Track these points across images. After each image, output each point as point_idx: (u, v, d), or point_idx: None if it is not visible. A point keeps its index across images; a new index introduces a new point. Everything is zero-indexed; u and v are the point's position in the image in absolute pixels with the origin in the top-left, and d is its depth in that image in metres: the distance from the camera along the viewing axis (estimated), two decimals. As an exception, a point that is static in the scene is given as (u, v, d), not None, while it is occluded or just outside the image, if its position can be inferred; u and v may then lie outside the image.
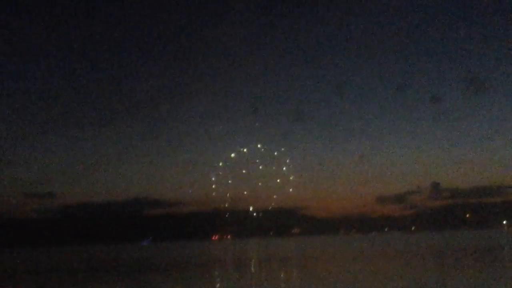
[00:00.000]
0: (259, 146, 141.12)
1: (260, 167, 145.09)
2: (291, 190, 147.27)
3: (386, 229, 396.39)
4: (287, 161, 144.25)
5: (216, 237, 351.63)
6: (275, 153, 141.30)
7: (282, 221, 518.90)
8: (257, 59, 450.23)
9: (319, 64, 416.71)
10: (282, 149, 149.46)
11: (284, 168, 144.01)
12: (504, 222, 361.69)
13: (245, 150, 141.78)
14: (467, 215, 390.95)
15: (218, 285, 31.16)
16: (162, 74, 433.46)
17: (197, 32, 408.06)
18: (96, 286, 34.50)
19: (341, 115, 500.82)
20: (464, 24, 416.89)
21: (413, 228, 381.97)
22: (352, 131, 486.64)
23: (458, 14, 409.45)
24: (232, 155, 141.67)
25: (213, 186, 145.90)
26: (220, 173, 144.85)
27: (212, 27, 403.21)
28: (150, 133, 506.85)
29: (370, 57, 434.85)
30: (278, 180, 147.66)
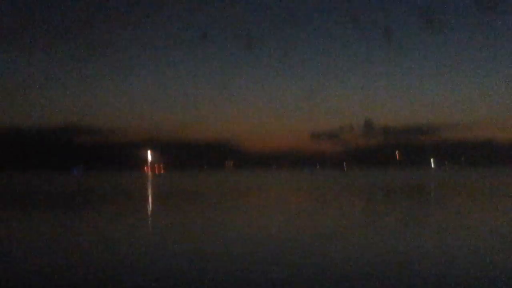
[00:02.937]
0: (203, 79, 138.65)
1: (202, 96, 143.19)
2: (227, 123, 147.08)
3: (317, 166, 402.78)
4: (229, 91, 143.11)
5: (149, 169, 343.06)
6: (218, 83, 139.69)
7: (215, 154, 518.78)
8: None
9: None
10: (228, 78, 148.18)
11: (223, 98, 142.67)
12: (432, 160, 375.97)
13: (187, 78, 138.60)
14: (397, 154, 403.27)
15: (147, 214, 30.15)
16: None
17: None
18: (19, 213, 32.80)
19: (292, 47, 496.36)
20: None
21: (344, 165, 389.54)
22: (302, 63, 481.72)
23: None
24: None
25: (149, 116, 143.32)
26: (158, 102, 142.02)
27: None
28: (85, 58, 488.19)
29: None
30: (214, 112, 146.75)
